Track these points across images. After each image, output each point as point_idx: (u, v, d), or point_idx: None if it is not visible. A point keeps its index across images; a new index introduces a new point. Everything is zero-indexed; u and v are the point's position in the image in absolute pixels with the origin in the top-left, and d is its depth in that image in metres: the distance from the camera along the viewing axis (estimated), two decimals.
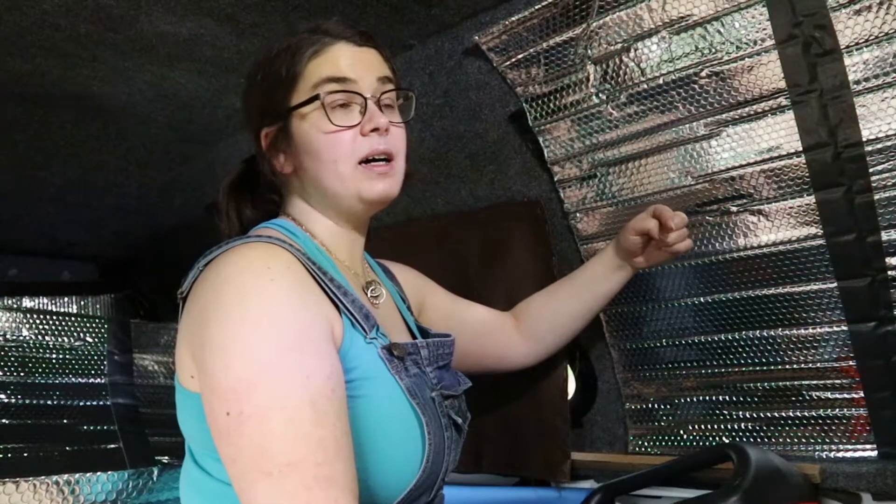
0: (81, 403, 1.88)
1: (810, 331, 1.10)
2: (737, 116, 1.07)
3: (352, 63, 0.88)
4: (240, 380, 0.69)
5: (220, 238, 0.91)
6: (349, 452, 0.71)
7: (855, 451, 1.09)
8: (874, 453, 1.07)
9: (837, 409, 1.10)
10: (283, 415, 0.67)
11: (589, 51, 1.15)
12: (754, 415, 1.19)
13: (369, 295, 0.94)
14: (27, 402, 1.78)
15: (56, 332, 1.91)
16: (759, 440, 1.18)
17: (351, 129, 0.86)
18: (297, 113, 0.87)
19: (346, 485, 0.69)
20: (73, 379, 1.90)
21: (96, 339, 1.99)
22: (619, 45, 1.12)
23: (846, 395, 1.09)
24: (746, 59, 1.03)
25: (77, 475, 1.65)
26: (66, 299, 2.05)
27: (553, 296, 1.21)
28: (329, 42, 0.88)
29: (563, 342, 1.22)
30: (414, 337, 1.00)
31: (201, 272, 0.80)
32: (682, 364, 1.26)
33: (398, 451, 0.79)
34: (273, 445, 0.67)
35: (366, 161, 0.87)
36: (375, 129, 0.87)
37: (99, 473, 1.69)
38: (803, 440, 1.14)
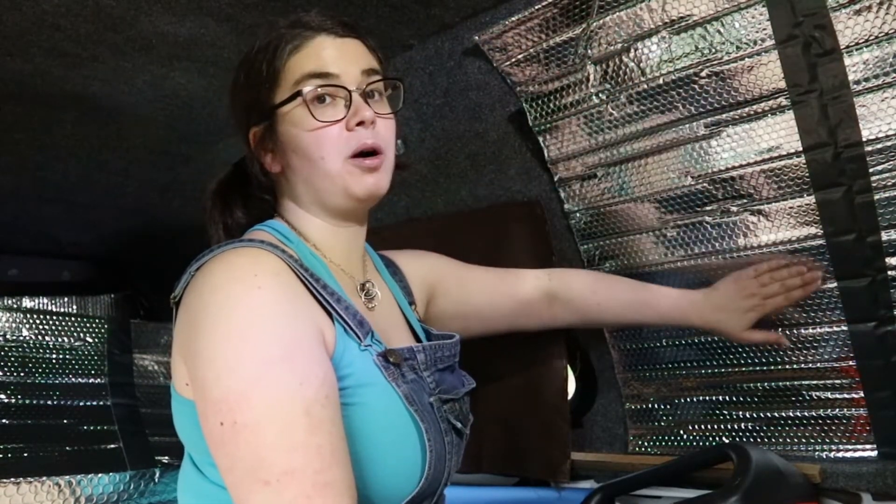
0: (81, 403, 1.87)
1: (810, 331, 1.11)
2: (737, 116, 1.07)
3: (334, 56, 0.85)
4: (231, 391, 0.68)
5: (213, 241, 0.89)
6: (346, 457, 0.70)
7: (855, 451, 1.09)
8: (874, 453, 1.07)
9: (837, 409, 1.10)
10: (277, 424, 0.67)
11: (589, 51, 1.15)
12: (754, 415, 1.19)
13: (363, 298, 0.92)
14: (27, 402, 1.77)
15: (56, 332, 1.90)
16: (759, 440, 1.18)
17: (336, 123, 0.84)
18: (280, 111, 0.85)
19: (345, 490, 0.68)
20: (73, 379, 1.89)
21: (96, 339, 1.99)
22: (619, 45, 1.12)
23: (846, 395, 1.09)
24: (746, 59, 1.03)
25: (79, 476, 1.65)
26: (66, 299, 2.04)
27: (606, 292, 1.19)
28: (309, 36, 0.85)
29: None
30: (416, 336, 0.99)
31: (193, 276, 0.79)
32: (682, 364, 1.26)
33: (397, 458, 0.78)
34: (269, 455, 0.66)
35: (354, 156, 0.85)
36: (361, 123, 0.84)
37: (101, 475, 1.69)
38: (803, 440, 1.14)
